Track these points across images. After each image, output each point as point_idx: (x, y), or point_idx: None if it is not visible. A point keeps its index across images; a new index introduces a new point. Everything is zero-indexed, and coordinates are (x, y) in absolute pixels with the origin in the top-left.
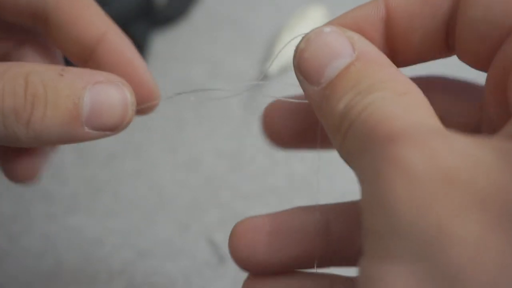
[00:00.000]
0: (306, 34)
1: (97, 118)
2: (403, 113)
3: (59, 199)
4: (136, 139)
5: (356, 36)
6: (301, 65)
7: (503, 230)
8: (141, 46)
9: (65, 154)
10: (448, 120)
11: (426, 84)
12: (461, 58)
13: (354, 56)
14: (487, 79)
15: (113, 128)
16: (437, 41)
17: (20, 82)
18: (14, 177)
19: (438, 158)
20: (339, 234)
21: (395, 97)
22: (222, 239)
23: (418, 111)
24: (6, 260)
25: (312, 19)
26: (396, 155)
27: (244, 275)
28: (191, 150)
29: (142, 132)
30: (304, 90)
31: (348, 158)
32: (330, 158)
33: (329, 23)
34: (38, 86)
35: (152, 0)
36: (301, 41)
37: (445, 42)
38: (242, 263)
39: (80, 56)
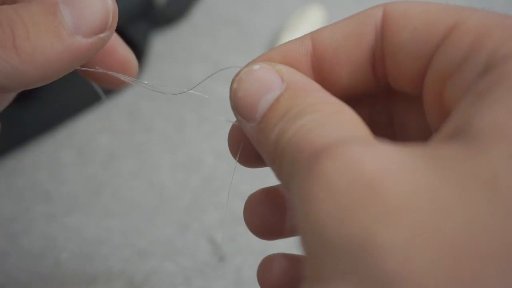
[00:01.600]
0: (237, 74)
1: (82, 21)
2: (331, 131)
3: (59, 199)
4: (136, 139)
5: (284, 68)
6: (236, 105)
7: (429, 232)
8: (141, 46)
9: (65, 153)
10: (411, 130)
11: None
12: (394, 84)
13: (283, 87)
14: (423, 97)
15: (103, 26)
16: (364, 72)
17: None
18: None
19: (357, 166)
20: None
21: (324, 118)
22: (222, 239)
23: (347, 128)
24: (6, 260)
25: (312, 19)
26: (317, 170)
27: (244, 275)
28: (191, 151)
29: (142, 132)
30: (243, 129)
31: (285, 186)
32: None
33: (257, 59)
34: (9, 12)
35: (152, 0)
36: (233, 81)
37: (373, 73)
38: (254, 231)
39: None
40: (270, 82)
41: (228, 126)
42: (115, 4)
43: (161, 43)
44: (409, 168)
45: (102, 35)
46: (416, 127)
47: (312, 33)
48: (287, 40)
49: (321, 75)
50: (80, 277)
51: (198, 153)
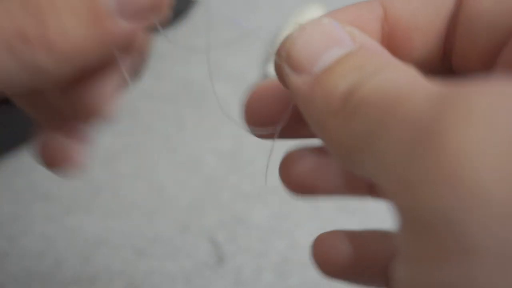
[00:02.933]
0: (301, 24)
1: (127, 0)
2: (433, 84)
3: (59, 199)
4: (136, 139)
5: (357, 31)
6: (291, 52)
7: None
8: None
9: None
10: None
11: None
12: (457, 61)
13: (355, 47)
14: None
15: (153, 7)
16: (439, 44)
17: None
18: (51, 162)
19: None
20: None
21: (410, 73)
22: (222, 239)
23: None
24: (6, 261)
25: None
26: (459, 105)
27: (244, 275)
28: (191, 150)
29: (141, 132)
30: (288, 82)
31: (355, 141)
32: None
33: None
34: None
35: None
36: (294, 31)
37: (444, 47)
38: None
39: None
40: (339, 38)
41: (227, 127)
42: None
43: (161, 43)
44: None
45: (149, 17)
46: None
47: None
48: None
49: (392, 43)
50: (80, 277)
51: (198, 153)
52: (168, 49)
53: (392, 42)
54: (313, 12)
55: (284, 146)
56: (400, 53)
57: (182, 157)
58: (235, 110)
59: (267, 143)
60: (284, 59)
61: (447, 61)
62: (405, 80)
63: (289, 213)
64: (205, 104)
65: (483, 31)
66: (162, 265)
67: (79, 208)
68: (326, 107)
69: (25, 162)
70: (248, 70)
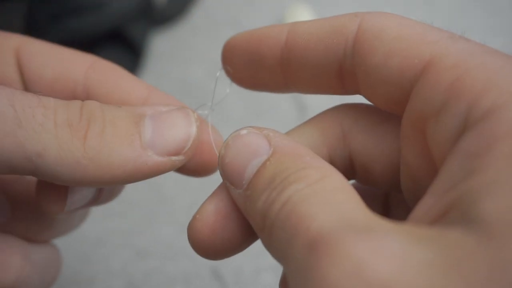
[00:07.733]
0: (226, 140)
1: (160, 139)
2: (321, 207)
3: None
4: None
5: (272, 133)
6: (224, 171)
7: None
8: (140, 46)
9: None
10: (370, 155)
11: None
12: (370, 100)
13: (270, 152)
14: (402, 124)
15: (178, 150)
16: (328, 77)
17: (76, 104)
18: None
19: (365, 271)
20: None
21: (311, 187)
22: None
23: (336, 197)
24: None
25: (300, 17)
26: (321, 273)
27: (243, 275)
28: None
29: None
30: (232, 195)
31: (277, 256)
32: None
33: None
34: (94, 106)
35: (152, 0)
36: (221, 147)
37: (338, 81)
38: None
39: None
40: (257, 147)
41: (227, 127)
42: (198, 134)
43: (161, 43)
44: (422, 268)
45: (174, 158)
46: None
47: (292, 24)
48: None
49: (288, 65)
50: (80, 277)
51: None
52: (168, 49)
53: (288, 66)
54: (301, 13)
55: None
56: (292, 77)
57: None
58: (235, 108)
59: None
60: (222, 176)
61: (354, 92)
62: (298, 199)
63: None
64: (204, 104)
65: (379, 83)
66: (161, 265)
67: None
68: (255, 221)
69: None
70: None
